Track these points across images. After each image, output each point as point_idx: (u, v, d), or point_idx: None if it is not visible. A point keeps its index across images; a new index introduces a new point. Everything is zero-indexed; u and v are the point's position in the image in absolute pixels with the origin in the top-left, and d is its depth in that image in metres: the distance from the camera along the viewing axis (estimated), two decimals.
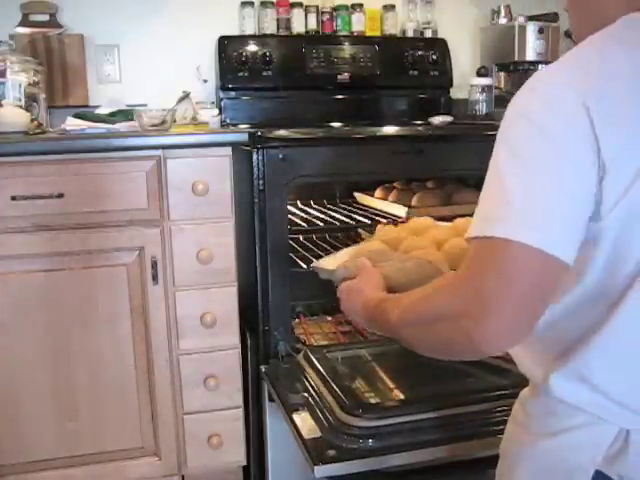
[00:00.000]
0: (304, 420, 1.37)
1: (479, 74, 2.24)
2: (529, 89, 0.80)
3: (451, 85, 2.36)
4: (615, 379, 0.82)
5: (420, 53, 2.30)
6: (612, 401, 0.82)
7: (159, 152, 1.63)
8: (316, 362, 1.58)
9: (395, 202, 1.96)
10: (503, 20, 2.32)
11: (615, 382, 0.82)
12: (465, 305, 0.76)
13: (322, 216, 2.11)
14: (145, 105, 2.04)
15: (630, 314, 0.79)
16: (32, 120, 1.74)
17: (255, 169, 1.64)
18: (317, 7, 2.30)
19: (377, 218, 2.00)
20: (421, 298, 0.88)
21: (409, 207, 1.88)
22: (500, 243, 0.74)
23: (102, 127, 1.78)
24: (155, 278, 1.66)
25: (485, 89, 2.21)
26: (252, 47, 2.18)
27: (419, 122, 2.08)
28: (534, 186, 0.74)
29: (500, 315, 0.74)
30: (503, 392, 1.40)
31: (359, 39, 2.32)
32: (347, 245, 2.21)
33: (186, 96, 1.95)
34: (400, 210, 1.92)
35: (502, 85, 2.35)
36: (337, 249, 2.16)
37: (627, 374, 0.82)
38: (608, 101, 0.75)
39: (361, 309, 1.10)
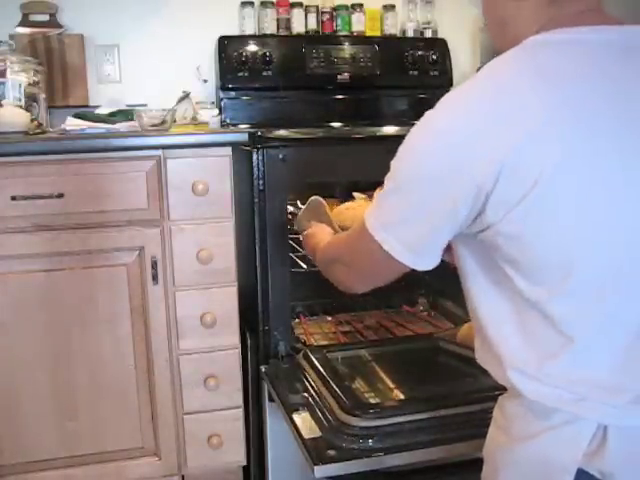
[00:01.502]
0: (304, 420, 1.37)
1: None
2: (423, 123, 0.86)
3: (451, 85, 2.36)
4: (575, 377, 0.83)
5: (420, 53, 2.30)
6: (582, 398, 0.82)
7: (159, 152, 1.63)
8: (316, 362, 1.58)
9: None
10: None
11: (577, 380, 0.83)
12: (346, 262, 1.05)
13: None
14: (145, 105, 2.04)
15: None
16: (32, 120, 1.74)
17: (255, 169, 1.65)
18: (317, 7, 2.30)
19: None
20: (331, 244, 1.20)
21: None
22: (376, 243, 0.89)
23: (102, 127, 1.78)
24: (155, 278, 1.66)
25: None
26: (252, 47, 2.18)
27: None
28: (407, 214, 0.86)
29: (358, 282, 1.05)
30: (503, 392, 1.40)
31: (359, 39, 2.31)
32: None
33: (186, 96, 1.95)
34: None
35: None
36: None
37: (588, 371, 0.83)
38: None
39: (309, 248, 1.40)
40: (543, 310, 0.83)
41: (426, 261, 0.90)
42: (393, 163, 0.88)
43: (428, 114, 0.85)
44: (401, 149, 0.87)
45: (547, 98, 0.77)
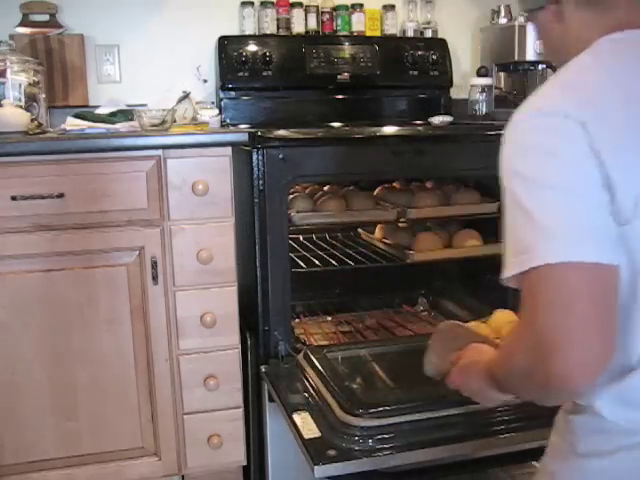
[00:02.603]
0: (304, 420, 1.37)
1: (479, 74, 2.24)
2: (523, 120, 0.81)
3: (451, 85, 2.36)
4: None
5: (420, 53, 2.30)
6: None
7: (159, 152, 1.63)
8: (316, 362, 1.58)
9: (394, 202, 1.96)
10: (503, 20, 2.32)
11: None
12: (532, 356, 0.75)
13: None
14: (145, 105, 2.04)
15: None
16: (32, 120, 1.74)
17: (255, 169, 1.65)
18: (317, 7, 2.30)
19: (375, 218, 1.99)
20: (501, 356, 0.87)
21: (407, 207, 1.88)
22: (545, 271, 0.71)
23: (102, 127, 1.78)
24: (155, 278, 1.66)
25: (485, 89, 2.21)
26: (252, 47, 2.18)
27: (419, 122, 2.08)
28: (559, 207, 0.74)
29: (568, 350, 0.71)
30: None
31: (359, 39, 2.32)
32: (344, 244, 2.23)
33: (186, 96, 1.95)
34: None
35: (502, 85, 2.35)
36: (337, 249, 2.18)
37: None
38: (604, 121, 0.77)
39: (477, 382, 0.99)
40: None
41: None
42: None
43: None
44: None
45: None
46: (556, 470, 0.89)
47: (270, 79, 2.18)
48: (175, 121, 1.80)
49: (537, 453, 1.54)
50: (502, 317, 1.49)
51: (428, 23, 2.41)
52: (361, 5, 2.33)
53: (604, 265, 0.72)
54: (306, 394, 1.48)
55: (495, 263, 2.06)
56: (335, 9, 2.31)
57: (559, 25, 0.94)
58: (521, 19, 2.20)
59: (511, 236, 0.77)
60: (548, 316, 0.72)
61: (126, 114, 1.85)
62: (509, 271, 0.76)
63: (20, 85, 1.80)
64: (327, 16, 2.30)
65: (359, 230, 2.23)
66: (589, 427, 0.84)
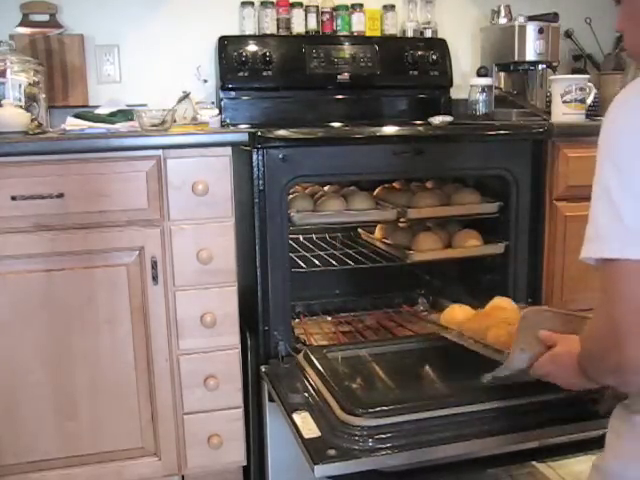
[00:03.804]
0: (304, 420, 1.37)
1: (479, 74, 2.24)
2: (628, 106, 0.81)
3: (451, 85, 2.36)
4: None
5: (420, 53, 2.30)
6: None
7: (159, 152, 1.63)
8: (316, 362, 1.58)
9: (394, 202, 1.96)
10: (503, 20, 2.32)
11: None
12: (607, 340, 0.82)
13: None
14: (145, 105, 2.04)
15: None
16: (32, 120, 1.74)
17: (255, 169, 1.65)
18: (317, 7, 2.30)
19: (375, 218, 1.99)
20: (582, 343, 0.93)
21: (408, 207, 1.88)
22: (621, 264, 0.77)
23: (102, 127, 1.78)
24: (155, 278, 1.66)
25: (485, 89, 2.21)
26: (252, 47, 2.18)
27: (419, 122, 2.08)
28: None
29: (635, 341, 0.78)
30: (503, 392, 1.41)
31: (359, 39, 2.32)
32: (344, 244, 2.23)
33: (186, 96, 1.95)
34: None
35: (502, 85, 2.35)
36: (337, 249, 2.18)
37: None
38: None
39: (570, 371, 1.03)
40: None
41: None
42: None
43: None
44: None
45: None
46: (608, 470, 0.89)
47: (270, 79, 2.18)
48: (175, 121, 1.80)
49: (537, 453, 1.55)
50: (500, 303, 1.51)
51: (428, 23, 2.41)
52: (361, 5, 2.33)
53: None
54: (306, 394, 1.48)
55: (495, 263, 2.07)
56: (335, 9, 2.31)
57: None
58: (521, 19, 2.21)
59: (594, 217, 0.81)
60: (622, 306, 0.78)
61: (126, 114, 1.86)
62: (585, 253, 0.81)
63: (20, 85, 1.80)
64: (327, 16, 2.31)
65: (359, 230, 2.23)
66: None
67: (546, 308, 1.26)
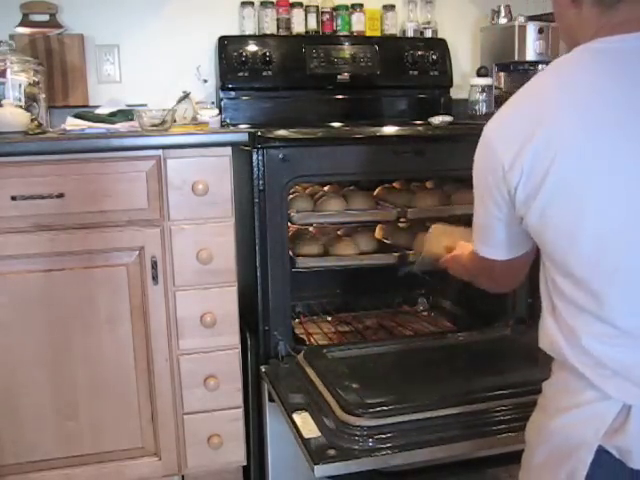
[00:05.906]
0: (304, 420, 1.37)
1: (479, 74, 2.24)
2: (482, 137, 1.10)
3: (451, 85, 2.36)
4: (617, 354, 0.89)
5: (420, 53, 2.30)
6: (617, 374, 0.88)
7: (159, 152, 1.63)
8: (316, 362, 1.58)
9: (394, 202, 1.96)
10: (503, 20, 2.32)
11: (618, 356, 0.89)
12: (485, 282, 1.23)
13: None
14: (145, 105, 2.04)
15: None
16: (32, 120, 1.74)
17: (255, 169, 1.65)
18: (317, 7, 2.30)
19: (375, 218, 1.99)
20: (465, 261, 1.29)
21: (408, 207, 1.87)
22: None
23: (102, 127, 1.78)
24: (155, 278, 1.66)
25: (485, 89, 2.21)
26: (252, 47, 2.18)
27: (419, 122, 2.08)
28: (479, 217, 1.16)
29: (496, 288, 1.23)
30: (503, 392, 1.41)
31: (359, 39, 2.32)
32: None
33: (186, 96, 1.95)
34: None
35: (502, 85, 2.35)
36: None
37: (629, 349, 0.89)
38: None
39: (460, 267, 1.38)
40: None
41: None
42: None
43: None
44: None
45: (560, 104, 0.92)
46: (529, 436, 1.02)
47: (270, 79, 2.18)
48: (175, 121, 1.80)
49: None
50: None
51: (428, 23, 2.41)
52: (361, 5, 2.33)
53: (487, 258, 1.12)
54: (306, 394, 1.48)
55: None
56: (335, 9, 2.31)
57: (575, 10, 0.97)
58: (521, 19, 2.21)
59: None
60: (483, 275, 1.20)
61: (126, 114, 1.86)
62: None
63: (20, 85, 1.80)
64: (327, 16, 2.30)
65: (358, 230, 2.23)
66: (556, 387, 0.99)
67: (448, 225, 1.61)
